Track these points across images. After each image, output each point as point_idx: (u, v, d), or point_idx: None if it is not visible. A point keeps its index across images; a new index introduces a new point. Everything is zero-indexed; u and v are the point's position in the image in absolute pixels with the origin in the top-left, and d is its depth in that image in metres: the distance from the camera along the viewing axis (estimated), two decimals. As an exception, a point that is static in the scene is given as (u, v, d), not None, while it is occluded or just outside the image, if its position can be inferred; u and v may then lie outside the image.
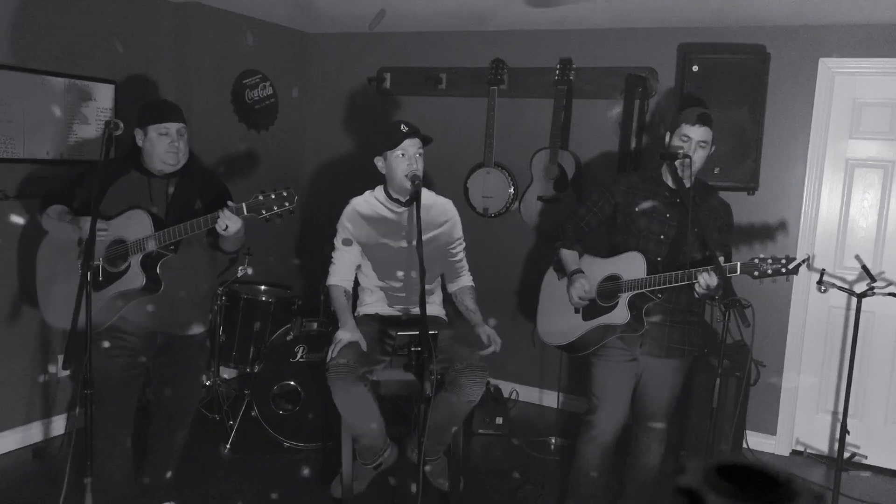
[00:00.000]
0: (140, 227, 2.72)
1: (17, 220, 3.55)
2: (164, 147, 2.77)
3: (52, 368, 3.83)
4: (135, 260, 2.74)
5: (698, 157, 2.84)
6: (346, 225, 3.18)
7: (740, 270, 2.70)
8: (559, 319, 3.17)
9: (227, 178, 4.57)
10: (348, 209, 3.21)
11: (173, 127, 2.78)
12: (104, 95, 3.92)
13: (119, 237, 2.76)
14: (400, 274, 3.18)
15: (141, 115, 2.81)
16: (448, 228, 3.22)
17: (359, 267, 3.24)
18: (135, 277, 2.74)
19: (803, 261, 2.64)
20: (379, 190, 3.19)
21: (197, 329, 3.01)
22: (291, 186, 2.70)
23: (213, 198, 2.87)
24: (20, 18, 3.55)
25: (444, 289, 3.38)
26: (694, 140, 2.83)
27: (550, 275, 3.27)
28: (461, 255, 3.30)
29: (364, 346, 2.97)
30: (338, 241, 3.20)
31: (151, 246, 2.71)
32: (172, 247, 2.77)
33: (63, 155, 3.76)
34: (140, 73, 4.16)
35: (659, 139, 4.08)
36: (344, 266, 3.19)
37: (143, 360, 2.89)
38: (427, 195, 3.18)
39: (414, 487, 3.11)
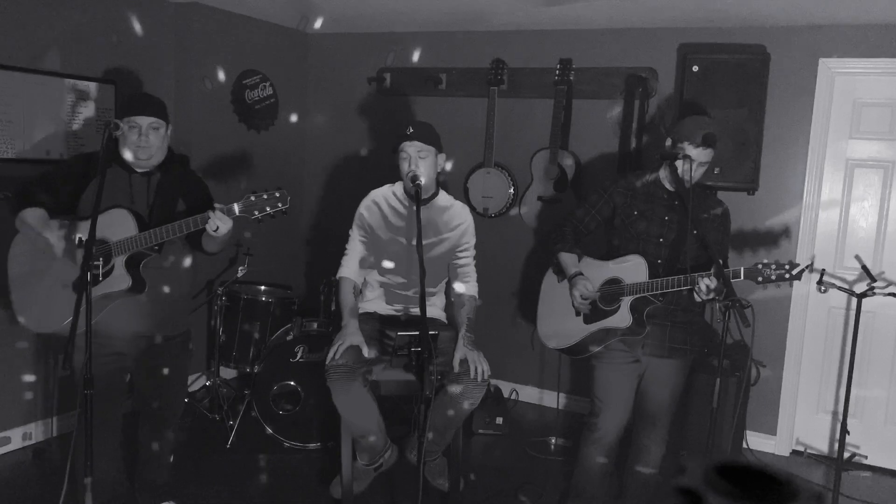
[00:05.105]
0: (123, 227, 2.64)
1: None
2: (133, 141, 2.68)
3: (51, 368, 3.83)
4: (119, 261, 2.67)
5: (697, 174, 2.80)
6: (363, 213, 3.18)
7: (744, 276, 2.69)
8: (559, 323, 3.17)
9: (226, 178, 4.59)
10: (366, 199, 3.21)
11: (144, 121, 2.68)
12: (104, 95, 3.92)
13: (100, 237, 2.64)
14: (403, 271, 3.18)
15: (119, 107, 2.75)
16: (458, 233, 3.18)
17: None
18: (120, 279, 2.67)
19: (807, 266, 2.64)
20: (399, 185, 3.19)
21: (179, 329, 2.96)
22: (285, 187, 2.65)
23: (198, 199, 2.81)
24: (20, 18, 3.55)
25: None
26: (696, 162, 2.78)
27: (550, 277, 3.25)
28: (466, 261, 3.21)
29: (366, 351, 2.96)
30: (353, 231, 3.21)
31: (138, 246, 2.64)
32: (157, 247, 2.71)
33: (63, 155, 3.76)
34: (141, 73, 4.16)
35: (659, 139, 4.09)
36: (356, 258, 3.18)
37: (127, 363, 2.84)
38: (445, 198, 3.18)
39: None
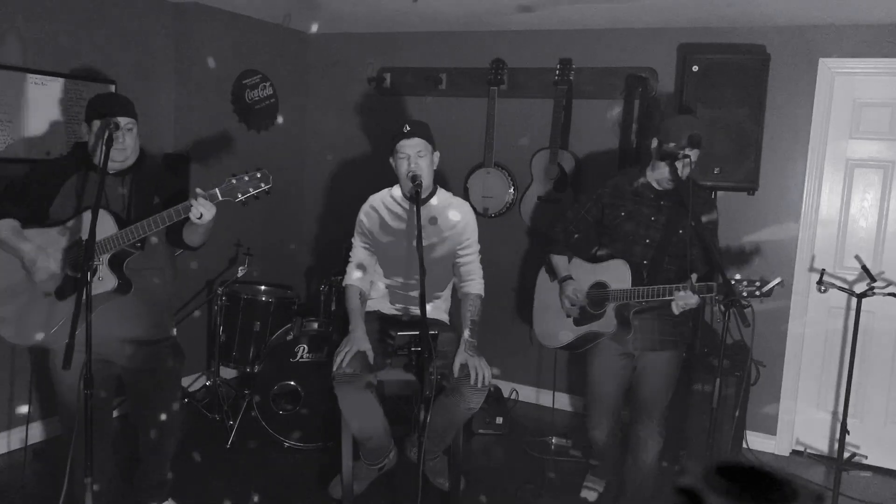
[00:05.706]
0: (103, 227, 2.55)
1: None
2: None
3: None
4: (102, 261, 2.60)
5: (684, 173, 2.86)
6: (362, 220, 3.18)
7: (716, 291, 2.72)
8: (553, 323, 3.26)
9: (225, 177, 4.58)
10: (365, 205, 3.21)
11: (119, 122, 2.61)
12: (104, 95, 3.92)
13: (79, 239, 2.59)
14: (406, 272, 3.17)
15: (87, 109, 2.67)
16: (458, 230, 3.15)
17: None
18: (106, 280, 2.62)
19: (777, 283, 2.65)
20: (396, 188, 3.18)
21: (165, 333, 2.89)
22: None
23: (172, 194, 2.75)
24: (20, 18, 3.55)
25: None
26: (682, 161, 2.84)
27: (543, 277, 3.35)
28: (469, 259, 3.17)
29: (371, 357, 2.95)
30: (355, 238, 3.20)
31: (120, 244, 2.58)
32: (139, 244, 2.65)
33: (63, 154, 3.75)
34: (140, 73, 4.16)
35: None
36: (360, 266, 3.17)
37: (114, 370, 2.79)
38: (443, 196, 3.16)
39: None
